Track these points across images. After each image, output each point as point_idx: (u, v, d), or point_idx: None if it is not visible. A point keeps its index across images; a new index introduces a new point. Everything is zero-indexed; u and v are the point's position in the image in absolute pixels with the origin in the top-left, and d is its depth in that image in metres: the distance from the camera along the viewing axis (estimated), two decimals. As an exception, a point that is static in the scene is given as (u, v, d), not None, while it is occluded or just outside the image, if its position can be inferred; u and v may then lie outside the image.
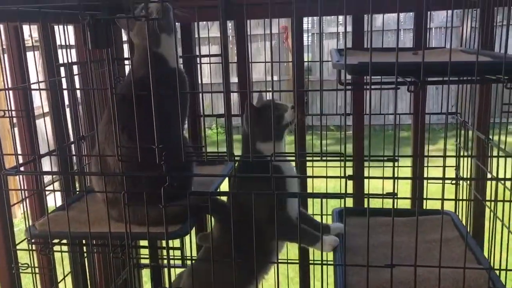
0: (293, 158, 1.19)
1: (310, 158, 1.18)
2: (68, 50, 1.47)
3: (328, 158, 1.16)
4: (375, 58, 1.19)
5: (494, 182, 1.27)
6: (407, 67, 1.08)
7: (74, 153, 1.73)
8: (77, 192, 1.74)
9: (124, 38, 2.02)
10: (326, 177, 1.20)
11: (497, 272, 1.35)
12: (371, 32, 1.05)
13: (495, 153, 1.39)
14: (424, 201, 1.90)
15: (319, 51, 1.29)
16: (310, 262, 2.06)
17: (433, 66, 1.10)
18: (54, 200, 1.55)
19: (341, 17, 2.01)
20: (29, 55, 1.57)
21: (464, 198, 1.75)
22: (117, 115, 1.26)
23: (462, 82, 1.14)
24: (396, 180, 1.18)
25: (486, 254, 1.50)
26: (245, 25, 1.86)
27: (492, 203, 1.38)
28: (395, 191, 1.16)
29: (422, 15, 1.75)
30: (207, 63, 1.83)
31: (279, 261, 1.35)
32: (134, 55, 1.51)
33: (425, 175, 1.81)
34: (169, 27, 1.43)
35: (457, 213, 1.78)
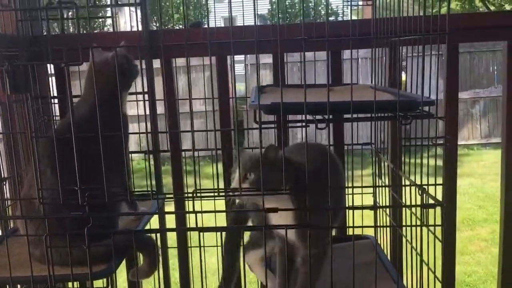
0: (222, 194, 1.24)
1: (238, 192, 1.24)
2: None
3: (250, 192, 1.23)
4: (291, 96, 1.29)
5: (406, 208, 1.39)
6: (316, 106, 1.18)
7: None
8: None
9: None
10: (246, 210, 1.26)
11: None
12: (281, 76, 1.14)
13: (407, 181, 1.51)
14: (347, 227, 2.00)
15: (246, 91, 1.36)
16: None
17: (339, 105, 1.20)
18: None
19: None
20: None
21: (384, 222, 1.87)
22: (50, 154, 1.27)
23: (364, 119, 1.26)
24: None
25: (405, 275, 1.62)
26: (164, 64, 1.91)
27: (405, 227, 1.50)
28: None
29: (337, 53, 1.89)
30: (134, 101, 1.86)
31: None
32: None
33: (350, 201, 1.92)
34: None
35: (377, 238, 1.90)
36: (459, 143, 2.02)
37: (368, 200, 1.91)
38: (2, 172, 1.64)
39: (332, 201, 1.29)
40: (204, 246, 1.55)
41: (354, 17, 2.08)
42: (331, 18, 12.04)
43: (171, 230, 1.60)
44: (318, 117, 1.23)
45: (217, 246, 1.95)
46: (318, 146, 1.55)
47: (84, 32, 1.50)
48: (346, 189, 1.83)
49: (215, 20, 1.26)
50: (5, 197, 1.67)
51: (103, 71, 1.47)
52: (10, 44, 1.42)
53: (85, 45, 1.13)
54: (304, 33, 1.34)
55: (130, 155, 1.73)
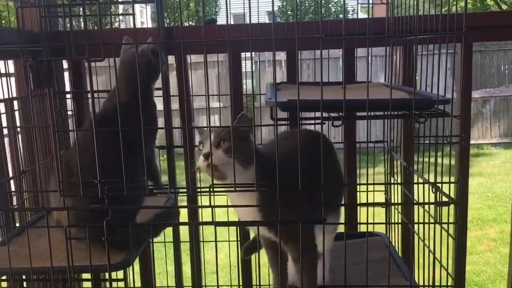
0: (232, 188, 1.26)
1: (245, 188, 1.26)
2: (8, 83, 1.49)
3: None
4: (305, 93, 1.30)
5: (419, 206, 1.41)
6: (331, 104, 1.20)
7: (13, 188, 1.72)
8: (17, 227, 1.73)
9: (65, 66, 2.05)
10: (258, 205, 1.28)
11: (421, 288, 1.48)
12: (298, 73, 1.16)
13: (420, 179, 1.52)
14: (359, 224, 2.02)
15: (259, 86, 1.37)
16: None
17: (354, 103, 1.22)
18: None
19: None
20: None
21: (395, 219, 1.88)
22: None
23: (379, 117, 1.27)
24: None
25: (416, 272, 1.63)
26: (182, 60, 1.94)
27: (417, 224, 1.51)
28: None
29: (349, 51, 1.90)
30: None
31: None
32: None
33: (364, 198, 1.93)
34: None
35: (388, 235, 1.92)
36: (469, 142, 2.03)
37: (380, 199, 1.92)
38: (21, 165, 1.68)
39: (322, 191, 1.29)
40: (218, 241, 1.58)
41: (364, 16, 2.09)
42: (341, 16, 12.00)
43: (186, 223, 1.62)
44: (333, 114, 1.25)
45: (229, 241, 1.98)
46: (313, 134, 1.49)
47: (103, 28, 1.52)
48: (358, 187, 1.85)
49: (228, 17, 1.28)
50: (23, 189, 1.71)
51: (132, 67, 1.51)
52: (33, 40, 1.45)
53: (105, 42, 1.15)
54: (319, 31, 1.35)
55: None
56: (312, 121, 1.25)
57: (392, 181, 1.93)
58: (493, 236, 5.22)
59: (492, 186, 6.71)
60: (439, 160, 1.35)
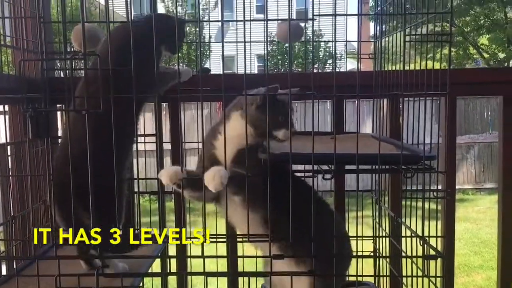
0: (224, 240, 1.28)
1: (240, 239, 1.27)
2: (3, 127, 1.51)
3: (256, 239, 1.26)
4: (297, 144, 1.34)
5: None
6: (322, 158, 1.24)
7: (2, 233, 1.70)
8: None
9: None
10: (256, 256, 1.29)
11: None
12: (290, 131, 1.20)
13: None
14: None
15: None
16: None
17: (345, 157, 1.26)
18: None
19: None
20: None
21: (383, 268, 1.90)
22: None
23: (369, 171, 1.31)
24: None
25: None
26: (178, 109, 1.98)
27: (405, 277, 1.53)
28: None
29: (339, 102, 1.96)
30: (142, 143, 1.91)
31: None
32: None
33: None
34: None
35: (376, 284, 1.92)
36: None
37: (368, 244, 1.94)
38: (11, 211, 1.67)
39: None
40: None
41: (351, 61, 2.16)
42: (329, 61, 12.31)
43: (174, 274, 1.61)
44: (324, 167, 1.29)
45: (218, 288, 1.97)
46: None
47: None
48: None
49: (223, 69, 1.32)
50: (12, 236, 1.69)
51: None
52: (31, 86, 1.47)
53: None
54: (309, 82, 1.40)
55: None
56: (303, 174, 1.28)
57: (380, 230, 1.95)
58: (480, 283, 5.21)
59: (478, 232, 6.74)
60: (428, 207, 1.38)
